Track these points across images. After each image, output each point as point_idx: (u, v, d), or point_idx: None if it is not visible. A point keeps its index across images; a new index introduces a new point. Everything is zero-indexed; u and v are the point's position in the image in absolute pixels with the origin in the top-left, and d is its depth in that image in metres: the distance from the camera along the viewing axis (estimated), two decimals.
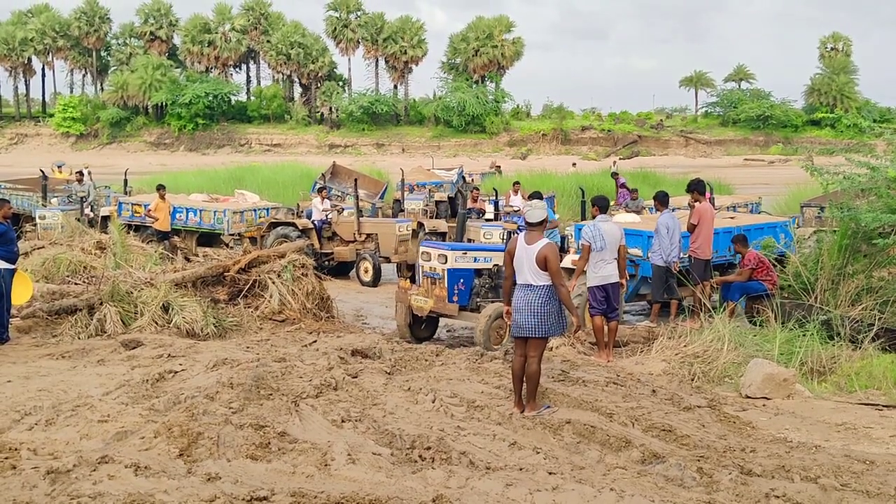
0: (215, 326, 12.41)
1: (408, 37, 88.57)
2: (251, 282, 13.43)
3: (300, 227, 19.59)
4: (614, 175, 29.78)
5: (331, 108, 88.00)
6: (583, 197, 20.28)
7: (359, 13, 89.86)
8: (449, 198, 29.72)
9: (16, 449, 6.87)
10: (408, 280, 13.57)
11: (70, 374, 9.81)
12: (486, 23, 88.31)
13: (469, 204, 17.02)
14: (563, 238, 13.83)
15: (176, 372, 9.77)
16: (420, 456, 6.73)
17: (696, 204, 12.19)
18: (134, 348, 10.95)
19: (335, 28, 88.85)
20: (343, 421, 7.61)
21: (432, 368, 9.62)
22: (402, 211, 25.65)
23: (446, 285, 12.31)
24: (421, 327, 13.16)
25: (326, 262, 19.21)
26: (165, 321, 12.34)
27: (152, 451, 6.87)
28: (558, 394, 8.03)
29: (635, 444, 6.73)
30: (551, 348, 10.62)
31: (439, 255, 12.50)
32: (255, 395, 8.47)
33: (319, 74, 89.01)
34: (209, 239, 21.42)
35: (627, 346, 11.18)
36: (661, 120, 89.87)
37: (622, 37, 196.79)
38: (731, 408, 7.85)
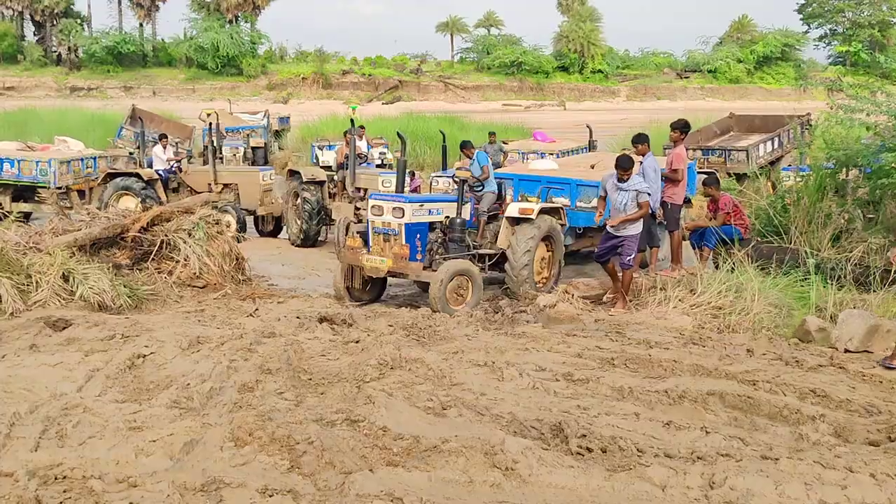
0: (129, 297, 10.53)
1: None
2: (158, 243, 11.52)
3: (145, 178, 17.38)
4: None
5: (69, 48, 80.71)
6: (444, 142, 19.40)
7: None
8: (265, 143, 27.96)
9: (72, 477, 5.22)
10: (358, 237, 12.14)
11: (9, 367, 7.85)
12: None
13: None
14: (500, 186, 12.91)
15: (145, 356, 8.08)
16: (584, 447, 5.70)
17: (675, 146, 11.66)
18: (63, 329, 9.01)
19: None
20: (444, 408, 6.41)
21: (454, 340, 8.51)
22: (220, 158, 23.66)
23: (405, 242, 11.10)
24: (365, 289, 11.87)
25: None
26: (68, 293, 10.31)
27: (253, 465, 5.45)
28: (666, 361, 7.22)
29: (808, 414, 6.08)
30: (554, 305, 9.82)
31: (394, 209, 11.23)
32: (301, 381, 7.09)
33: (55, 11, 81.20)
34: (23, 194, 18.55)
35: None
36: (419, 65, 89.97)
37: None
38: (854, 365, 7.38)
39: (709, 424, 6.03)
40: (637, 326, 8.76)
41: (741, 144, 21.58)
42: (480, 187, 12.89)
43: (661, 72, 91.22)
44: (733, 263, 10.56)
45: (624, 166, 10.42)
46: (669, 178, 11.42)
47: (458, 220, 11.58)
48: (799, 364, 7.23)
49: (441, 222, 11.60)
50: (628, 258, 10.44)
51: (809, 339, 8.45)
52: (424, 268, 11.20)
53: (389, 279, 12.15)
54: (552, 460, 5.34)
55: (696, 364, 7.13)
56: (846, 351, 7.96)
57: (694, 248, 12.04)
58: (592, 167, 14.28)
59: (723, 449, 5.55)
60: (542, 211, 11.95)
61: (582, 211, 13.27)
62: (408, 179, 18.34)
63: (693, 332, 8.65)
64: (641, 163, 11.37)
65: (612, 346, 7.96)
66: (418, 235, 11.31)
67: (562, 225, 12.54)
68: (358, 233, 12.11)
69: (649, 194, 10.52)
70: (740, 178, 18.81)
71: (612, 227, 10.57)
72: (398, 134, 13.11)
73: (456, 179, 11.86)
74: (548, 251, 12.26)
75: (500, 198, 12.78)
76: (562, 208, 12.63)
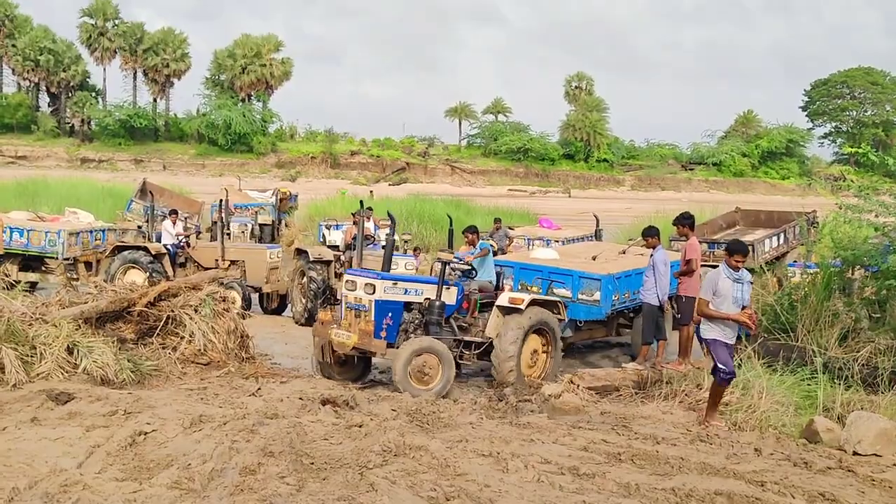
0: (132, 372, 10.48)
1: (170, 49, 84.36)
2: (164, 318, 11.51)
3: (153, 252, 17.46)
4: None
5: (83, 120, 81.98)
6: (451, 225, 19.49)
7: (116, 21, 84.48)
8: (273, 221, 28.14)
9: None
10: (328, 311, 12.11)
11: (9, 440, 7.76)
12: (254, 40, 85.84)
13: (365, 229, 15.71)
14: (498, 275, 12.82)
15: (146, 433, 8.00)
16: None
17: (685, 239, 11.71)
18: (66, 402, 8.94)
19: (90, 35, 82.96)
20: (447, 499, 6.32)
21: (458, 427, 8.43)
22: (228, 234, 23.81)
23: (373, 318, 10.96)
24: (344, 366, 11.78)
25: None
26: (72, 365, 10.27)
27: None
28: (673, 458, 7.14)
29: None
30: (559, 395, 9.75)
31: (366, 285, 11.10)
32: (303, 465, 7.01)
33: (71, 84, 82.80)
34: (31, 263, 18.63)
35: (619, 391, 10.47)
36: (427, 148, 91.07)
37: (353, 63, 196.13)
38: (863, 468, 7.30)
39: None
40: (643, 420, 8.68)
41: (747, 239, 21.67)
42: (474, 273, 12.76)
43: (666, 163, 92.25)
44: (740, 360, 10.50)
45: (743, 251, 9.18)
46: (683, 271, 11.42)
47: (438, 303, 11.39)
48: (807, 466, 7.14)
49: (420, 304, 11.43)
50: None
51: (817, 439, 8.37)
52: (389, 345, 11.00)
53: (377, 360, 12.05)
54: None
55: (704, 462, 7.05)
56: (855, 454, 7.87)
57: (701, 343, 11.97)
58: (594, 258, 14.29)
59: None
60: (535, 302, 11.78)
61: (583, 304, 13.17)
62: (412, 258, 18.40)
63: (700, 428, 8.56)
64: (651, 255, 11.38)
65: (618, 440, 7.88)
66: (390, 314, 11.13)
67: (560, 319, 12.28)
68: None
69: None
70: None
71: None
72: (388, 213, 13.16)
73: (438, 261, 11.80)
74: (543, 345, 11.99)
75: (498, 287, 12.60)
76: (560, 302, 12.41)
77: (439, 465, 7.05)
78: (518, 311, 11.49)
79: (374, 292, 11.08)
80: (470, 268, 12.37)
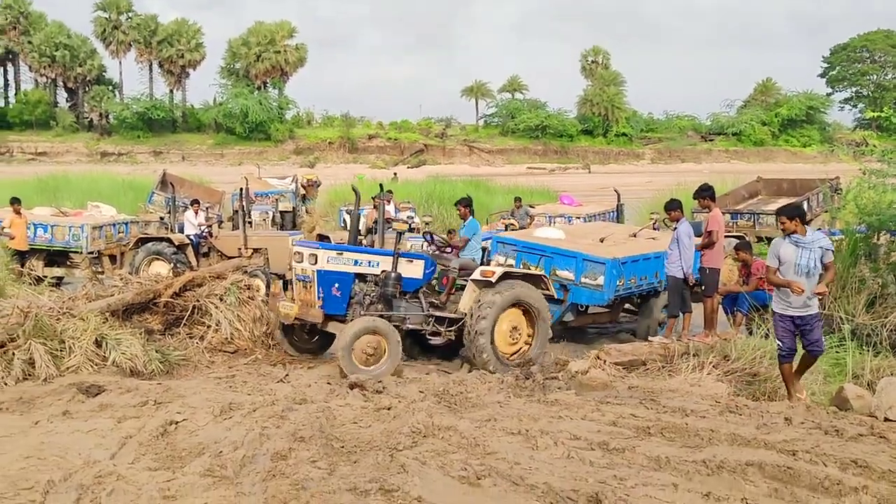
0: (160, 362, 10.57)
1: (184, 40, 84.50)
2: (189, 308, 11.58)
3: (176, 243, 17.55)
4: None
5: (101, 114, 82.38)
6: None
7: (130, 14, 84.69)
8: (293, 208, 28.21)
9: None
10: (279, 283, 11.95)
11: (42, 433, 7.84)
12: (268, 27, 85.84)
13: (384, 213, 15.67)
14: (484, 251, 12.63)
15: (177, 422, 8.06)
16: None
17: (707, 211, 11.65)
18: (96, 395, 9.02)
19: (104, 29, 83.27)
20: (478, 477, 6.33)
21: (486, 407, 8.44)
22: (249, 223, 23.91)
23: (316, 289, 10.78)
24: (310, 338, 11.72)
25: None
26: (101, 358, 10.36)
27: None
28: (703, 430, 7.12)
29: (850, 485, 5.94)
30: (586, 371, 9.74)
31: (310, 255, 10.89)
32: (334, 449, 7.04)
33: (88, 78, 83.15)
34: (56, 259, 18.79)
35: (646, 365, 10.44)
36: (444, 129, 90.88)
37: (366, 46, 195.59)
38: (894, 434, 7.24)
39: (749, 496, 5.91)
40: (671, 394, 8.65)
41: (770, 208, 21.55)
42: (449, 250, 12.48)
43: (686, 135, 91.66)
44: (767, 329, 10.45)
45: (786, 213, 8.85)
46: (705, 244, 11.35)
47: (393, 275, 11.10)
48: (839, 433, 7.09)
49: (376, 275, 11.20)
50: (819, 340, 8.86)
51: (847, 406, 8.32)
52: (341, 318, 10.86)
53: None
54: None
55: (734, 433, 7.01)
56: (886, 420, 7.82)
57: (727, 314, 11.95)
58: (602, 240, 13.87)
59: None
60: (511, 276, 11.45)
61: (585, 287, 12.83)
62: (421, 239, 18.31)
63: (728, 399, 8.53)
64: (675, 229, 11.31)
65: (647, 414, 7.86)
66: (336, 285, 10.90)
67: (549, 296, 11.90)
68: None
69: (833, 251, 8.88)
70: (770, 241, 18.72)
71: (804, 294, 8.62)
72: (353, 188, 12.96)
73: (391, 230, 11.50)
74: (528, 324, 11.63)
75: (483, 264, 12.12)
76: (543, 276, 12.03)
77: (469, 444, 7.07)
78: (489, 284, 11.19)
79: (315, 262, 10.84)
80: (447, 245, 12.22)
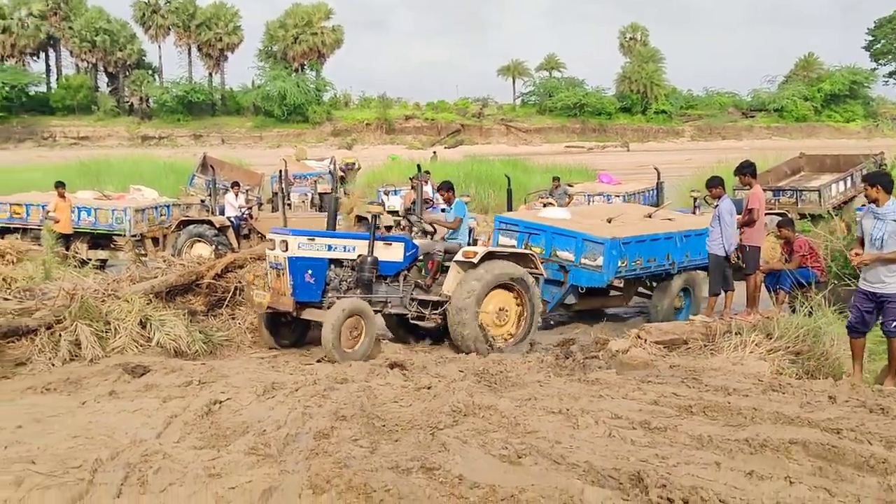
0: (204, 343, 10.70)
1: (222, 23, 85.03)
2: (231, 289, 11.71)
3: (217, 226, 17.72)
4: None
5: (141, 98, 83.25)
6: (509, 185, 19.46)
7: None
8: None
9: None
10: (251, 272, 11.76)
11: (89, 413, 7.97)
12: (304, 10, 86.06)
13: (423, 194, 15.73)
14: (471, 231, 12.44)
15: (221, 402, 8.16)
16: (665, 497, 5.59)
17: (748, 188, 11.53)
18: (142, 375, 9.17)
19: (143, 14, 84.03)
20: (519, 456, 6.35)
21: (526, 386, 8.46)
22: (289, 204, 24.05)
23: (288, 276, 10.53)
24: (291, 329, 11.38)
25: None
26: (145, 339, 10.52)
27: None
28: (746, 408, 7.07)
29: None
30: (626, 350, 9.72)
31: (281, 242, 10.61)
32: (375, 428, 7.09)
33: (128, 63, 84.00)
34: (100, 241, 19.06)
35: (687, 344, 10.37)
36: (481, 108, 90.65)
37: (401, 27, 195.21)
38: None
39: (792, 474, 5.86)
40: (713, 372, 8.59)
41: (813, 185, 21.28)
42: (432, 230, 12.28)
43: (726, 111, 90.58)
44: (810, 307, 10.33)
45: (884, 184, 8.40)
46: (745, 221, 11.23)
47: (370, 259, 10.87)
48: (884, 412, 7.01)
49: (352, 260, 10.98)
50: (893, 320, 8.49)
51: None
52: (318, 305, 10.64)
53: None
54: None
55: (777, 412, 6.96)
56: None
57: (769, 292, 11.82)
58: (610, 221, 13.48)
59: (808, 500, 5.39)
60: (495, 255, 11.24)
61: (585, 269, 12.50)
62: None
63: (771, 378, 8.46)
64: (716, 206, 11.20)
65: (688, 392, 7.82)
66: (310, 271, 10.62)
67: (538, 276, 11.66)
68: None
69: None
70: (813, 218, 18.51)
71: (861, 263, 8.53)
72: (329, 172, 12.88)
73: (368, 215, 11.36)
74: (517, 304, 11.44)
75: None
76: (531, 255, 11.73)
77: (509, 423, 7.08)
78: (471, 264, 11.01)
79: (286, 249, 10.59)
80: (432, 230, 12.05)
